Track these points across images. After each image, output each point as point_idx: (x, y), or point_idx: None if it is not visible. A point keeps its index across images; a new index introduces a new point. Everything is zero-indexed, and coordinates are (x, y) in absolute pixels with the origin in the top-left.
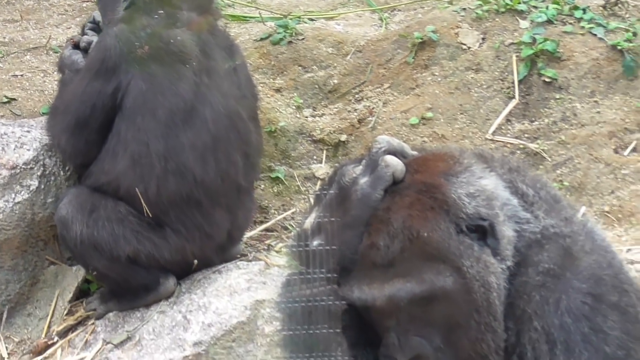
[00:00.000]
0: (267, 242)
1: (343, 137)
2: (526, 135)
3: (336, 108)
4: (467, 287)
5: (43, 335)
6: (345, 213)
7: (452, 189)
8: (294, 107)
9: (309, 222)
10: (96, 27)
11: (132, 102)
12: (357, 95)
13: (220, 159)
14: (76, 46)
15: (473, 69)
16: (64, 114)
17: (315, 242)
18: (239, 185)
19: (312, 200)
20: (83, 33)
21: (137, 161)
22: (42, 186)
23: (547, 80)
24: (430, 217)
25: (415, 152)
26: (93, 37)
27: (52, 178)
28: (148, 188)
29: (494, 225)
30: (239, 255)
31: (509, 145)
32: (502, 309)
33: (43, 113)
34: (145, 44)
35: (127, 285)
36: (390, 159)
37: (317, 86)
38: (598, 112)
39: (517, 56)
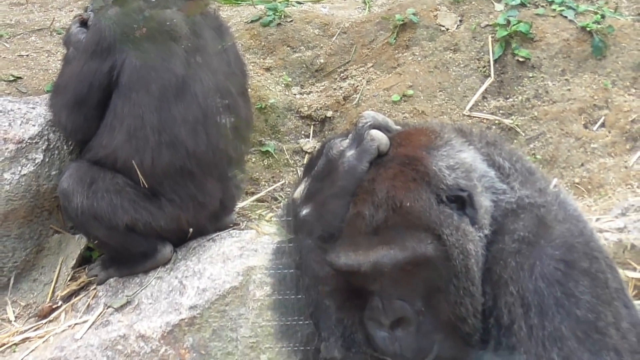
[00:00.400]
0: (258, 211)
1: (329, 113)
2: (501, 111)
3: (322, 86)
4: (446, 254)
5: (48, 300)
6: (332, 184)
7: (433, 162)
8: (283, 85)
9: (298, 192)
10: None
11: (127, 79)
12: (342, 74)
13: (211, 132)
14: (83, 23)
15: (451, 49)
16: (64, 92)
17: (304, 212)
18: (229, 156)
19: (301, 172)
20: (86, 10)
21: (133, 134)
22: (47, 159)
23: (520, 59)
24: (413, 188)
25: (398, 127)
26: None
27: (56, 152)
28: (143, 160)
29: (472, 195)
30: (231, 224)
31: (485, 121)
32: (480, 275)
33: (47, 91)
34: (138, 25)
35: (126, 253)
36: (376, 133)
37: (304, 65)
38: (568, 90)
39: (492, 37)
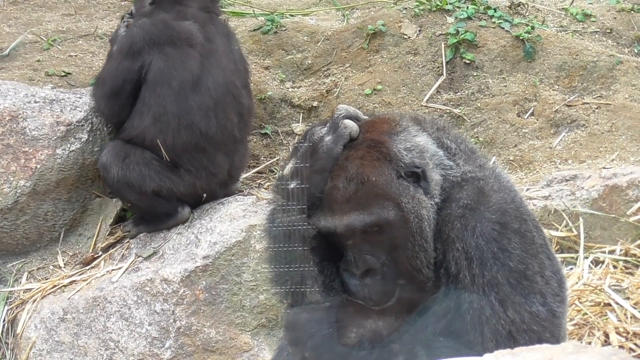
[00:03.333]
0: (258, 181)
1: (315, 103)
2: (451, 102)
3: (310, 81)
4: (404, 218)
5: (90, 250)
6: (314, 162)
7: (393, 145)
8: (278, 81)
9: (288, 168)
10: (131, 18)
11: (153, 76)
12: (325, 72)
13: (220, 117)
14: (128, 27)
15: (412, 53)
16: (103, 85)
17: (292, 184)
18: (235, 136)
19: (290, 152)
20: (123, 19)
21: (158, 119)
22: (91, 138)
23: (467, 61)
24: (377, 166)
25: (366, 117)
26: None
27: (98, 132)
28: (166, 139)
29: (425, 171)
30: (237, 191)
31: (438, 110)
32: (432, 235)
33: (91, 84)
34: (162, 33)
35: (153, 213)
36: (348, 122)
37: (295, 65)
38: (505, 86)
39: (444, 43)
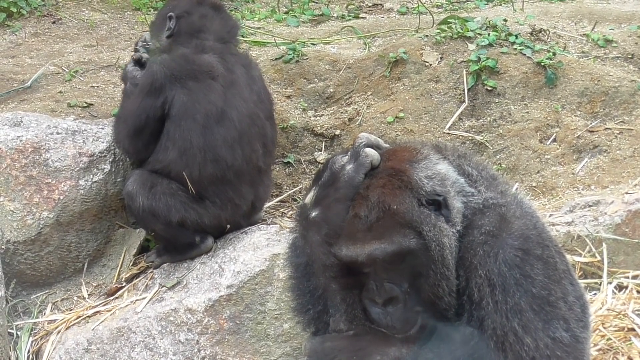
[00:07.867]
0: (281, 210)
1: (337, 132)
2: (473, 129)
3: (332, 110)
4: (426, 246)
5: (114, 281)
6: (335, 191)
7: (414, 173)
8: (300, 110)
9: (309, 198)
10: (146, 46)
11: (177, 111)
12: (347, 101)
13: (245, 148)
14: (137, 62)
15: (434, 81)
16: (125, 123)
17: (313, 214)
18: (259, 167)
19: (312, 181)
20: (135, 49)
21: (183, 153)
22: (113, 169)
23: (489, 88)
24: (399, 194)
25: (387, 145)
26: (144, 54)
27: (121, 163)
28: (192, 172)
29: (446, 199)
30: (260, 220)
31: (460, 137)
32: (454, 262)
33: (113, 115)
34: (183, 67)
35: (177, 243)
36: (369, 150)
37: (317, 94)
38: (527, 112)
39: (466, 71)
